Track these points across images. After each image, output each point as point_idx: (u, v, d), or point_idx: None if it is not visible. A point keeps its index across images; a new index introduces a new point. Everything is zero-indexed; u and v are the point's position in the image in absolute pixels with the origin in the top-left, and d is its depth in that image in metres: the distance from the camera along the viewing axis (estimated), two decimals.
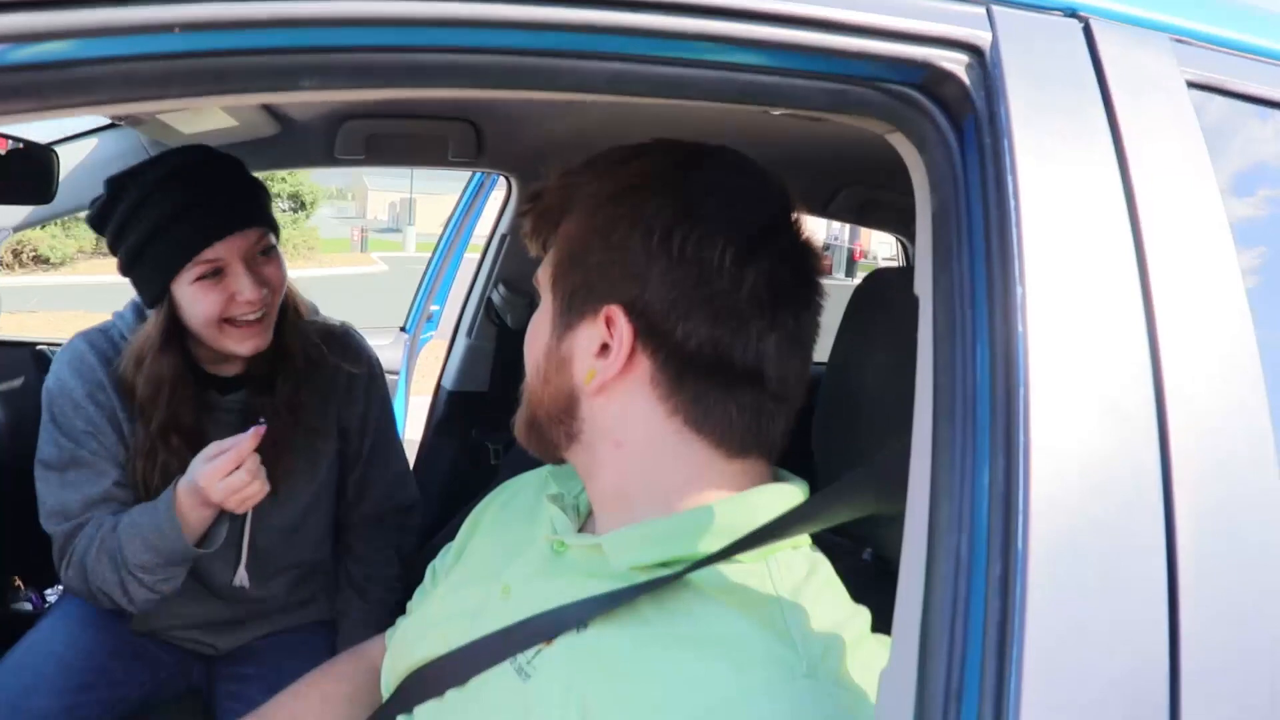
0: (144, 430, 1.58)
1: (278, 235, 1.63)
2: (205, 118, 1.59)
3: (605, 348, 0.89)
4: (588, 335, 0.90)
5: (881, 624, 0.80)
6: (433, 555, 1.26)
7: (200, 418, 1.62)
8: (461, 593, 1.04)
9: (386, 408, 1.92)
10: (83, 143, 1.89)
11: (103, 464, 1.58)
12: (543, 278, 0.97)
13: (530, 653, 0.88)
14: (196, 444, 1.53)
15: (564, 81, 0.64)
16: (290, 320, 1.71)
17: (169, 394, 1.57)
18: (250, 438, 1.46)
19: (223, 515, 1.53)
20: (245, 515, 1.65)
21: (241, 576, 1.70)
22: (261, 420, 1.50)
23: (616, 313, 0.88)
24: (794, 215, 0.93)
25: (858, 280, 1.25)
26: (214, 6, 0.56)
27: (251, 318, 1.55)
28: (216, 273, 1.51)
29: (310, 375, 1.73)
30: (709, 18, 0.63)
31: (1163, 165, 0.69)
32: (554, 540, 0.97)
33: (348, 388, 1.81)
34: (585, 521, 1.03)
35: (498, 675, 0.89)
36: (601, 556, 0.91)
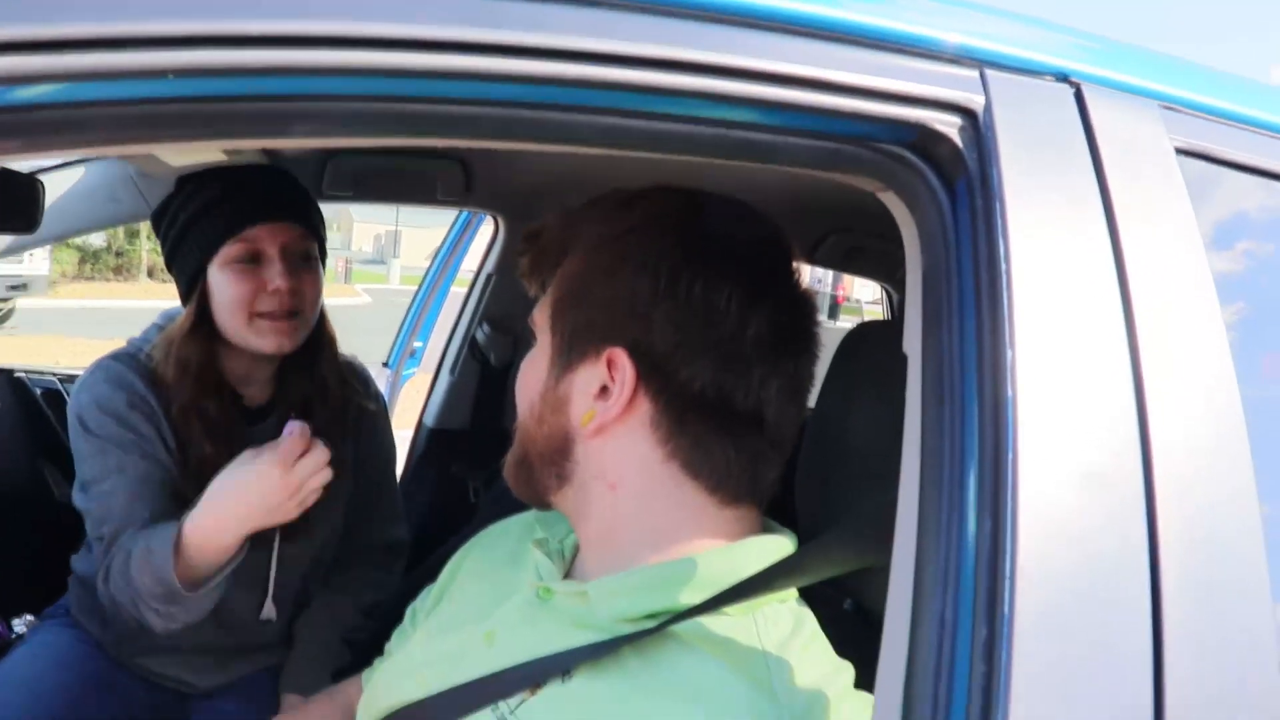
0: (169, 423, 1.56)
1: (323, 254, 1.64)
2: (194, 150, 1.59)
3: (605, 389, 0.89)
4: (587, 376, 0.90)
5: (862, 674, 0.79)
6: (412, 595, 1.25)
7: (227, 429, 1.58)
8: (444, 637, 1.02)
9: (390, 444, 1.92)
10: (68, 171, 1.88)
11: (151, 468, 1.53)
12: (540, 317, 0.96)
13: (514, 701, 0.87)
14: (219, 438, 1.54)
15: (557, 134, 0.64)
16: (327, 352, 1.71)
17: (195, 376, 1.55)
18: (299, 430, 1.40)
19: (234, 559, 1.45)
20: (271, 548, 1.62)
21: (269, 610, 1.67)
22: (294, 417, 1.46)
23: (620, 354, 0.87)
24: (794, 264, 0.94)
25: (840, 323, 1.25)
26: (208, 53, 0.56)
27: (279, 312, 1.54)
28: (253, 259, 1.52)
29: (338, 409, 1.72)
30: (704, 75, 0.64)
31: (1151, 230, 0.70)
32: (539, 586, 0.96)
33: (360, 423, 1.80)
34: (571, 565, 1.02)
35: None
36: (587, 603, 0.90)
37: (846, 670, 0.87)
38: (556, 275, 0.95)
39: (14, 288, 12.97)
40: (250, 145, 0.64)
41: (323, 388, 1.68)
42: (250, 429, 1.64)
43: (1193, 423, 0.66)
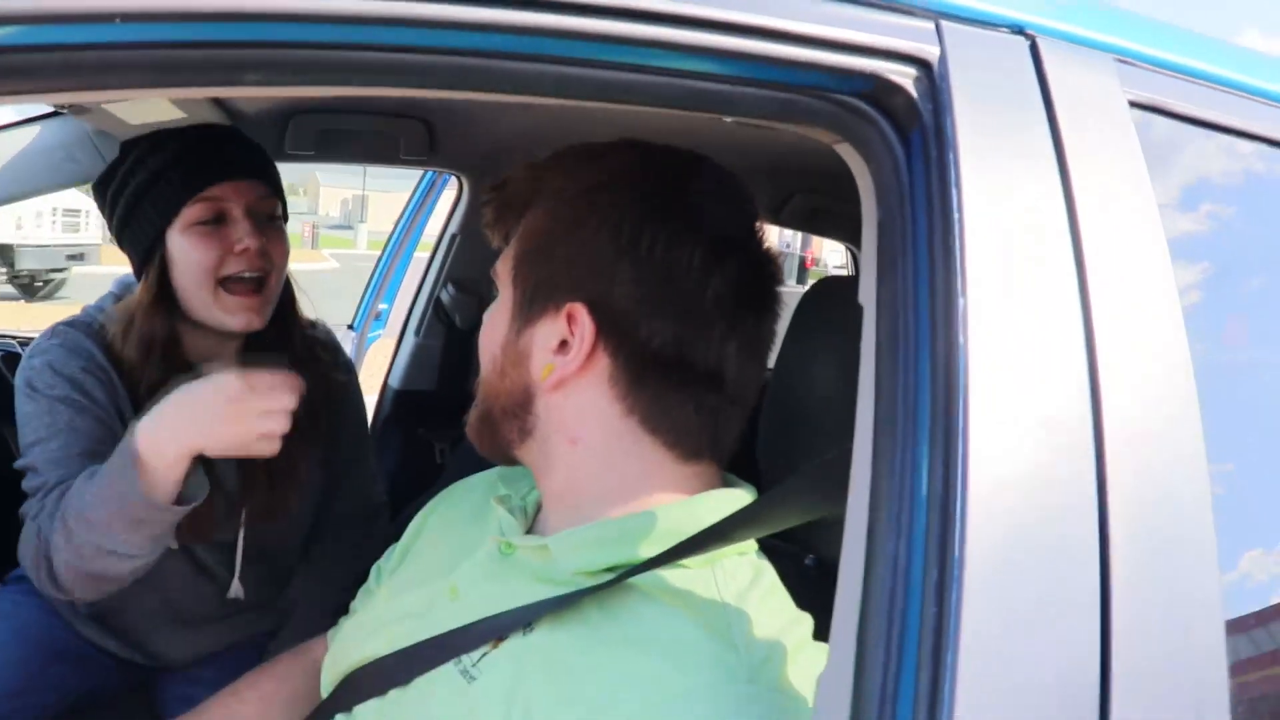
0: (132, 399, 1.45)
1: (285, 215, 1.56)
2: (152, 108, 1.56)
3: (564, 344, 0.89)
4: (547, 330, 0.90)
5: (823, 626, 0.80)
6: (377, 554, 1.25)
7: None
8: (408, 594, 1.03)
9: (362, 412, 1.86)
10: (24, 130, 1.85)
11: (104, 434, 1.40)
12: (502, 270, 0.96)
13: (476, 655, 0.88)
14: None
15: (510, 83, 0.63)
16: (293, 325, 1.63)
17: (160, 353, 1.45)
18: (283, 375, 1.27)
19: (196, 464, 1.28)
20: (239, 530, 1.55)
21: (236, 589, 1.59)
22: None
23: (579, 309, 0.87)
24: (759, 223, 0.94)
25: (809, 286, 1.26)
26: None
27: (249, 276, 1.44)
28: (217, 220, 1.42)
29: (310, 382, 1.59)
30: (657, 24, 0.64)
31: (1103, 182, 0.71)
32: (501, 541, 0.97)
33: (331, 394, 1.69)
34: (533, 522, 1.02)
35: (442, 676, 0.89)
36: (549, 558, 0.90)
37: (805, 621, 0.88)
38: (520, 228, 0.95)
39: (71, 257, 12.85)
40: (203, 94, 0.63)
41: (292, 365, 1.55)
42: None
43: (1142, 372, 0.67)
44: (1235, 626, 0.73)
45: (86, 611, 1.61)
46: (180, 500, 1.26)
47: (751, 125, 0.73)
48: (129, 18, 0.55)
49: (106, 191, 1.48)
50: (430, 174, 3.72)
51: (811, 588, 0.92)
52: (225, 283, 1.43)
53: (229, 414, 1.22)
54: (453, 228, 2.55)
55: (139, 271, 1.47)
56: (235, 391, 1.22)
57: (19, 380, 1.44)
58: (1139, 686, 0.62)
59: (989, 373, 0.63)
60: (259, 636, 1.73)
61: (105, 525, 1.23)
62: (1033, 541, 0.62)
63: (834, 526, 0.70)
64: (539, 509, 1.02)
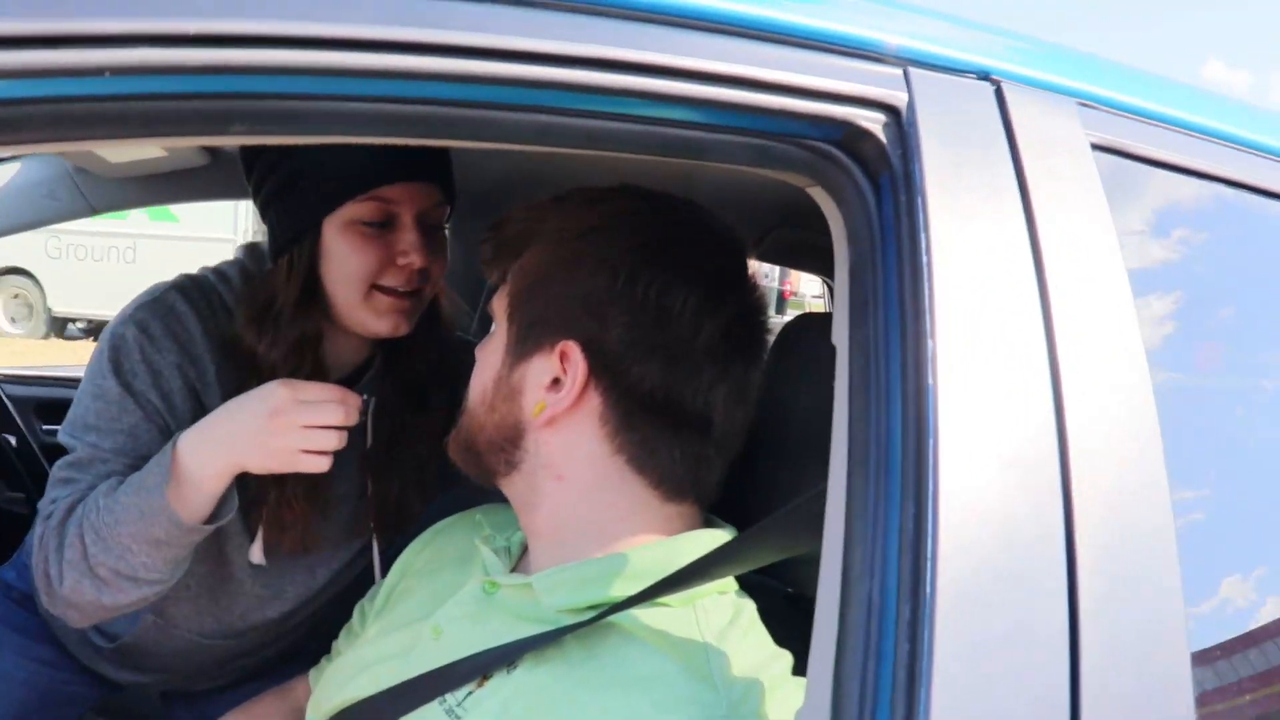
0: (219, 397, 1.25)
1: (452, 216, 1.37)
2: (134, 147, 1.56)
3: (557, 382, 0.90)
4: (540, 367, 0.91)
5: (803, 661, 0.81)
6: (359, 594, 1.25)
7: None
8: (393, 634, 1.03)
9: None
10: (4, 167, 1.85)
11: (157, 449, 1.21)
12: (498, 306, 0.98)
13: (461, 694, 0.88)
14: None
15: (492, 133, 0.65)
16: (436, 324, 1.41)
17: (311, 359, 1.26)
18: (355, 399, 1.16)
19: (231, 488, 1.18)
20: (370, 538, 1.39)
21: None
22: (366, 397, 1.20)
23: (573, 348, 0.89)
24: (750, 270, 0.96)
25: (787, 317, 1.27)
26: (145, 52, 0.56)
27: (404, 289, 1.25)
28: (385, 223, 1.22)
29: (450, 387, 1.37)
30: (636, 74, 0.65)
31: (1067, 223, 0.73)
32: (485, 581, 0.97)
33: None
34: (517, 564, 1.03)
35: (427, 715, 0.89)
36: (532, 595, 0.91)
37: (784, 657, 0.89)
38: (516, 266, 0.97)
39: None
40: (190, 144, 0.64)
41: (422, 375, 1.40)
42: None
43: (1107, 410, 0.69)
44: (1201, 658, 0.74)
45: (114, 645, 1.45)
46: (209, 519, 1.16)
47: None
48: (118, 71, 0.56)
49: (257, 162, 1.25)
50: None
51: (791, 621, 0.93)
52: (378, 288, 1.25)
53: (272, 427, 1.11)
54: None
55: (279, 253, 1.26)
56: (280, 403, 1.12)
57: (107, 332, 1.26)
58: (1107, 718, 0.63)
59: (958, 413, 0.64)
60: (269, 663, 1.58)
61: (125, 545, 1.13)
62: (1002, 578, 0.63)
63: (811, 561, 0.71)
64: (524, 550, 1.03)
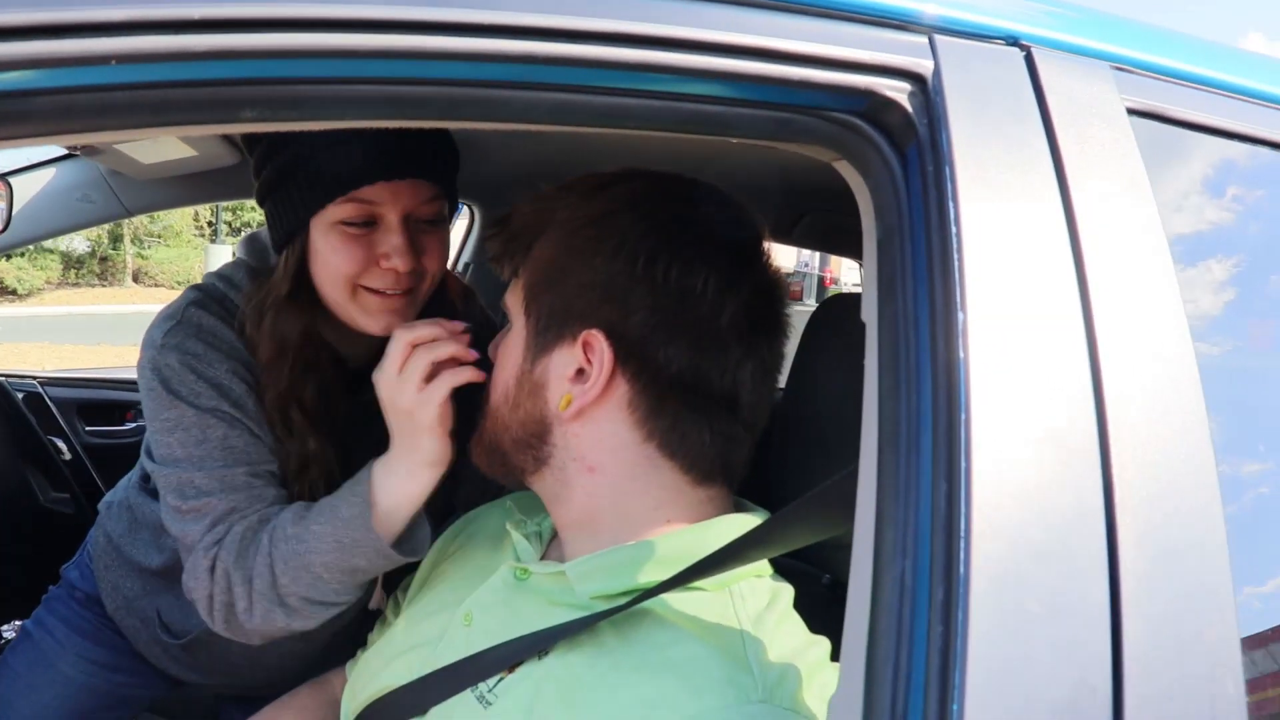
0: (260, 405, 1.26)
1: (453, 210, 1.32)
2: (163, 147, 1.57)
3: (581, 373, 0.89)
4: (563, 360, 0.90)
5: (839, 647, 0.80)
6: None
7: (330, 417, 1.29)
8: (424, 622, 1.03)
9: None
10: (39, 173, 1.87)
11: (259, 447, 1.24)
12: (512, 302, 0.97)
13: (491, 681, 0.88)
14: (322, 425, 1.27)
15: (506, 112, 0.64)
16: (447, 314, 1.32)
17: (292, 359, 1.25)
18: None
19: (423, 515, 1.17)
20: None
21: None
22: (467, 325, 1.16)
23: (596, 337, 0.88)
24: (766, 247, 0.94)
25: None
26: (151, 39, 0.56)
27: (391, 291, 1.22)
28: (368, 223, 1.19)
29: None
30: (654, 49, 0.64)
31: (1103, 191, 0.70)
32: (517, 567, 0.97)
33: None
34: (548, 549, 1.02)
35: (459, 704, 0.89)
36: (565, 583, 0.91)
37: (821, 644, 0.88)
38: (529, 259, 0.95)
39: None
40: (203, 132, 0.63)
41: None
42: (355, 400, 1.32)
43: (1147, 382, 0.67)
44: (1252, 641, 0.72)
45: (181, 642, 1.45)
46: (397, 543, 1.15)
47: (752, 145, 0.73)
48: (124, 59, 0.56)
49: (256, 149, 1.26)
50: None
51: (829, 607, 0.92)
52: (364, 289, 1.23)
53: (394, 384, 1.10)
54: (465, 256, 2.56)
55: (278, 245, 1.26)
56: (396, 350, 1.10)
57: (147, 367, 1.23)
58: (1153, 702, 0.61)
59: (990, 387, 0.62)
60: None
61: (317, 574, 1.12)
62: (1039, 556, 0.61)
63: (848, 547, 0.69)
64: (554, 535, 1.02)
